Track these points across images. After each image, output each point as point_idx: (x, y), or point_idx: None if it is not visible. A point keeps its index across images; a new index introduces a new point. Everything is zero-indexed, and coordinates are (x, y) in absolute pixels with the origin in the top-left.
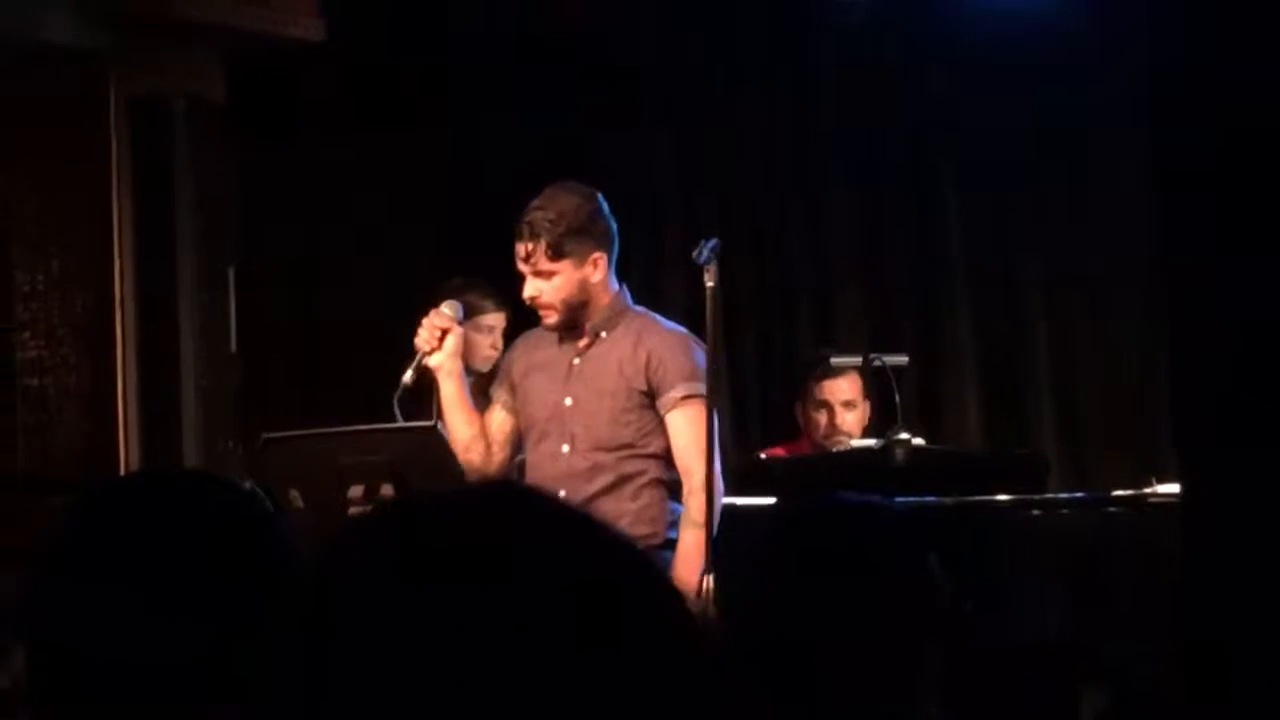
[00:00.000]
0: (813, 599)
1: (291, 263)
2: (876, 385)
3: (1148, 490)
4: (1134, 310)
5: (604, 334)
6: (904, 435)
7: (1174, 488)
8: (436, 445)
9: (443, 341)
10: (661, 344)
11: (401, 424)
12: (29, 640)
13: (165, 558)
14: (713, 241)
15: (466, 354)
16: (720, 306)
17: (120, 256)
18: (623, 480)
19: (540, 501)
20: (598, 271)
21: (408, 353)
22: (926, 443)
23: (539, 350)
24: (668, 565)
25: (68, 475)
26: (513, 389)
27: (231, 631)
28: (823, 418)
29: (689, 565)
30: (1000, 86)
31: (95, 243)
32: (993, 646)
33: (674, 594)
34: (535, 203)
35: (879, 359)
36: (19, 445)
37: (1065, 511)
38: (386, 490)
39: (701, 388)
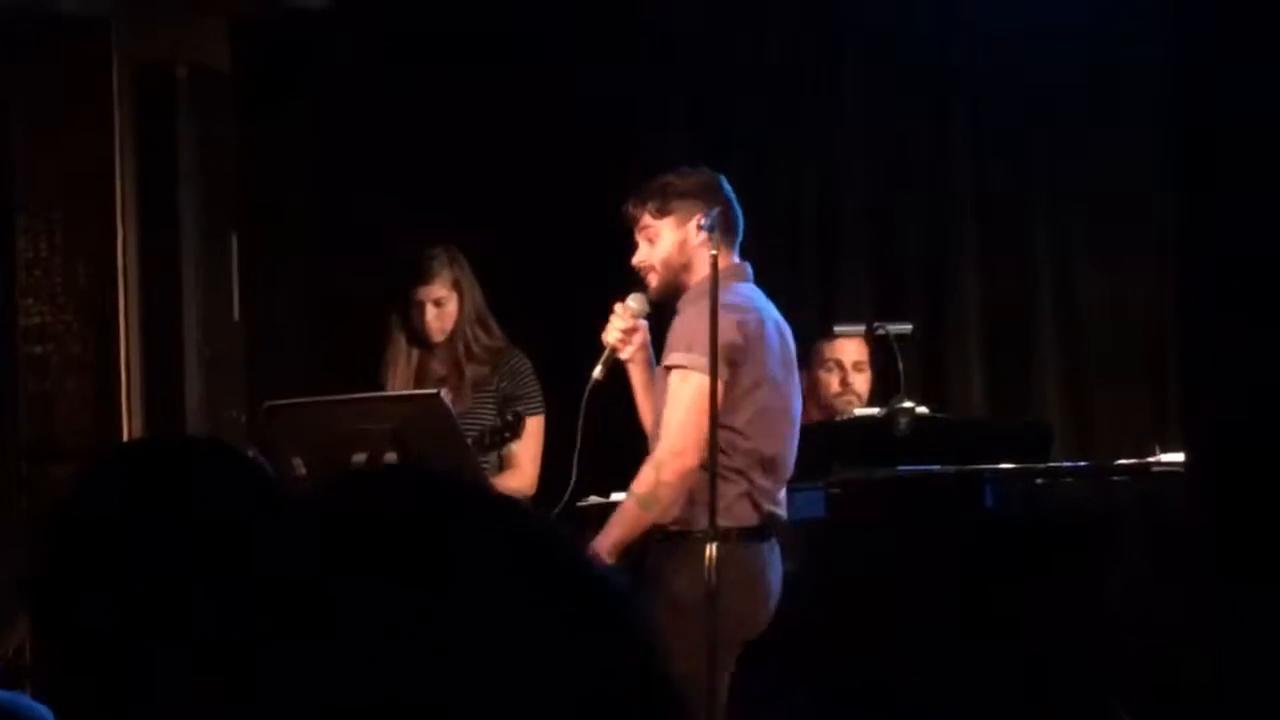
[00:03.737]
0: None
1: (295, 230)
2: (880, 354)
3: (1151, 459)
4: (1142, 282)
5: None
6: (908, 404)
7: (1178, 457)
8: (440, 412)
9: (631, 338)
10: (681, 314)
11: (405, 391)
12: (33, 609)
13: (171, 525)
14: (715, 210)
15: (440, 326)
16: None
17: (123, 224)
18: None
19: (422, 479)
20: (699, 235)
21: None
22: (930, 411)
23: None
24: (686, 553)
25: (70, 443)
26: None
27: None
28: (834, 379)
29: (607, 533)
30: (1011, 53)
31: (98, 210)
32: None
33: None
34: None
35: (883, 327)
36: (21, 413)
37: (1069, 480)
38: (390, 457)
39: (689, 359)
